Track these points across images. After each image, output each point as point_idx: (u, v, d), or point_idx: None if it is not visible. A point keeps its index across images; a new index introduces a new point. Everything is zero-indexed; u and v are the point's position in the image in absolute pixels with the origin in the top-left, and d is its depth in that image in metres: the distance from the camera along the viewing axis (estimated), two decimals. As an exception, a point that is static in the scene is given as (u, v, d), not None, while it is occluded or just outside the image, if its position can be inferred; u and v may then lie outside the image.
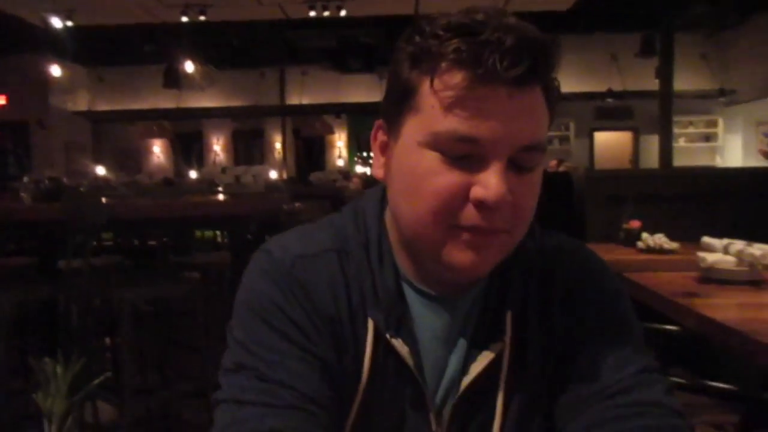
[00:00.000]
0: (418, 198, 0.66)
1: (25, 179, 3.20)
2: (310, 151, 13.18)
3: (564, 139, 12.17)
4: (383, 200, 0.78)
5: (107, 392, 2.49)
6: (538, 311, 0.75)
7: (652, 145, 10.79)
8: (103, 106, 12.74)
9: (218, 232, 5.30)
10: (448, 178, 0.64)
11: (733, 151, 11.38)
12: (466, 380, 0.72)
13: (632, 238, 2.63)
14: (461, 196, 0.65)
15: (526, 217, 0.69)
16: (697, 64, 11.09)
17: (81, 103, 12.58)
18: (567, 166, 7.91)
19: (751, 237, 1.88)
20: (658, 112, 8.04)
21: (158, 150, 13.40)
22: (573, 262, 0.78)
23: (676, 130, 9.43)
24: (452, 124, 0.63)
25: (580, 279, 0.77)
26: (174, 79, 9.67)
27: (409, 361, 0.71)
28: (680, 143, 11.08)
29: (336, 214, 0.82)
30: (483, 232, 0.65)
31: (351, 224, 0.78)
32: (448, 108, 0.63)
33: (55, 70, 10.68)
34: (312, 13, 7.89)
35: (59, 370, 0.33)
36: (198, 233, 4.97)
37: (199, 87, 9.58)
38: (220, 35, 9.38)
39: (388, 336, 0.72)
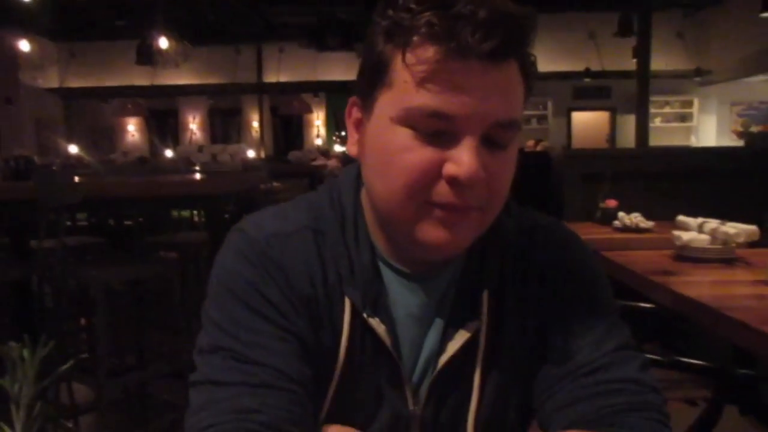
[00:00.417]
0: (391, 174, 0.65)
1: (-5, 157, 3.12)
2: (287, 130, 13.06)
3: (542, 119, 12.23)
4: (359, 178, 0.77)
5: (83, 373, 2.47)
6: (515, 289, 0.75)
7: (628, 124, 10.90)
8: (75, 83, 12.44)
9: (195, 212, 5.24)
10: (420, 155, 0.63)
11: (708, 131, 11.55)
12: (443, 358, 0.72)
13: (609, 217, 2.66)
14: (434, 173, 0.64)
15: (501, 195, 0.68)
16: (673, 43, 11.17)
17: (52, 79, 12.26)
18: (544, 146, 7.96)
19: (725, 215, 1.91)
20: (636, 92, 8.09)
21: (133, 128, 13.16)
22: (550, 240, 0.78)
23: (652, 110, 9.52)
24: (424, 99, 0.62)
25: (557, 257, 0.77)
26: (148, 56, 9.45)
27: (386, 339, 0.71)
28: (656, 123, 11.20)
29: (312, 193, 0.81)
30: (456, 209, 0.65)
31: (327, 203, 0.77)
32: (420, 83, 0.62)
33: (24, 45, 10.37)
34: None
35: (26, 354, 0.32)
36: (174, 212, 4.91)
37: (173, 63, 9.37)
38: (195, 10, 9.19)
39: (365, 315, 0.71)
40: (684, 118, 11.83)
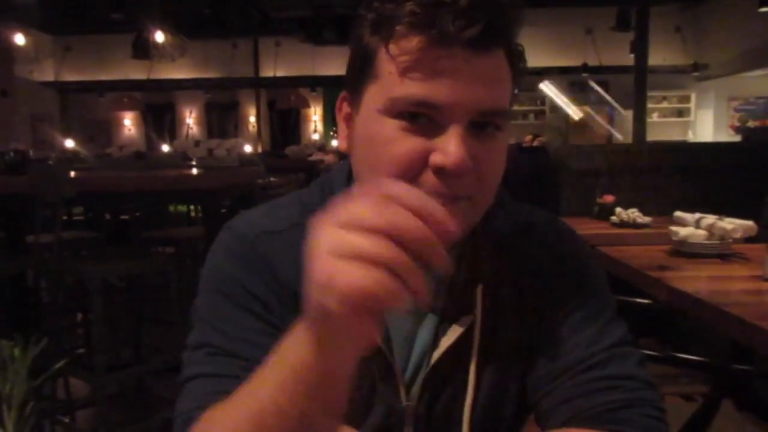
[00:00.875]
0: (378, 166, 0.65)
1: (-10, 151, 3.10)
2: (285, 125, 13.02)
3: (539, 114, 12.21)
4: (351, 173, 0.77)
5: (80, 369, 2.46)
6: (510, 284, 0.75)
7: (626, 120, 10.89)
8: (70, 77, 12.37)
9: (192, 206, 5.22)
10: (407, 145, 0.63)
11: (705, 127, 11.56)
12: (436, 354, 0.72)
13: (606, 212, 2.66)
14: (421, 163, 0.64)
15: (491, 184, 0.68)
16: (671, 38, 11.16)
17: (47, 73, 12.19)
18: (541, 141, 7.96)
19: (722, 211, 1.91)
20: (633, 87, 8.09)
21: (129, 122, 13.11)
22: (545, 235, 0.78)
23: (649, 105, 9.51)
24: (409, 88, 0.62)
25: (553, 252, 0.77)
26: (144, 49, 9.40)
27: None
28: (654, 118, 11.20)
29: (304, 189, 0.81)
30: (444, 198, 0.64)
31: (318, 199, 0.77)
32: (405, 72, 0.62)
33: (20, 39, 10.30)
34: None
35: (17, 353, 0.32)
36: (171, 207, 4.90)
37: (170, 57, 9.33)
38: (192, 4, 9.14)
39: None
40: (681, 113, 11.83)
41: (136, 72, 11.70)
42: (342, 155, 0.74)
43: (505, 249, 0.76)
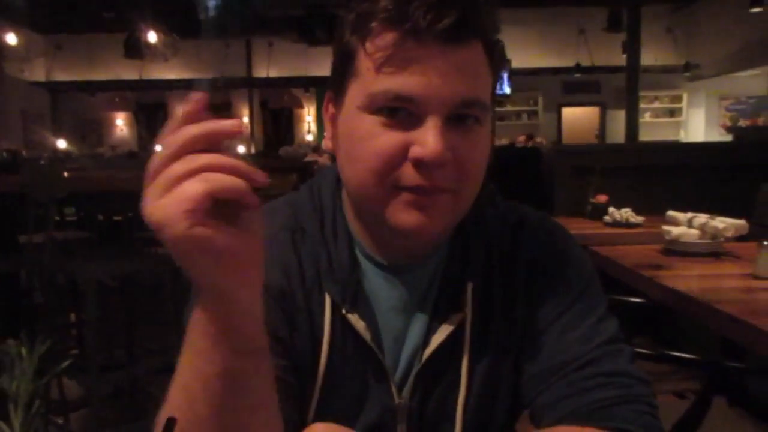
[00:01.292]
0: (359, 161, 0.66)
1: (-19, 151, 3.09)
2: (278, 125, 13.00)
3: (532, 114, 12.26)
4: (340, 175, 0.77)
5: (74, 370, 2.45)
6: (501, 282, 0.76)
7: (618, 119, 10.94)
8: (62, 76, 12.30)
9: (185, 206, 5.20)
10: (385, 139, 0.64)
11: (697, 126, 11.63)
12: (428, 351, 0.73)
13: (599, 212, 2.67)
14: (400, 156, 0.64)
15: (473, 176, 0.68)
16: (663, 38, 11.22)
17: (38, 72, 12.12)
18: (534, 142, 7.98)
19: (714, 210, 1.92)
20: (625, 87, 8.13)
21: (121, 122, 13.05)
22: (536, 233, 0.78)
23: (641, 105, 9.56)
24: (385, 83, 0.63)
25: (544, 250, 0.77)
26: (136, 49, 9.37)
27: (365, 334, 0.72)
28: (646, 118, 11.26)
29: (294, 193, 0.82)
30: (425, 191, 0.65)
31: (307, 202, 0.78)
32: (381, 68, 0.63)
33: (10, 38, 10.23)
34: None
35: (24, 352, 0.32)
36: (164, 207, 4.87)
37: (162, 57, 9.31)
38: (183, 3, 9.11)
39: (344, 310, 0.72)
40: (673, 112, 11.90)
41: (128, 72, 11.66)
42: (335, 157, 0.75)
43: (496, 247, 0.77)
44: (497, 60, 0.69)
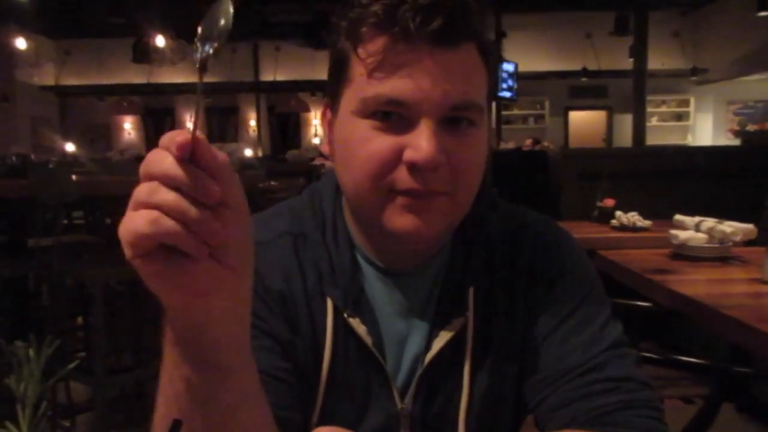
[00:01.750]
0: (354, 165, 0.67)
1: (-9, 155, 3.11)
2: (285, 129, 13.03)
3: (539, 118, 12.24)
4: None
5: (81, 372, 2.46)
6: (503, 287, 0.75)
7: (625, 124, 10.92)
8: (70, 81, 12.39)
9: (192, 210, 5.21)
10: (379, 143, 0.65)
11: (704, 130, 11.58)
12: (429, 356, 0.73)
13: (606, 216, 2.66)
14: (394, 160, 0.65)
15: (469, 179, 0.68)
16: (670, 42, 11.19)
17: (48, 77, 12.22)
18: (541, 146, 7.97)
19: (722, 214, 1.91)
20: (632, 91, 8.11)
21: (129, 126, 13.12)
22: (538, 237, 0.78)
23: (649, 109, 9.53)
24: (376, 88, 0.64)
25: (546, 254, 0.77)
26: (144, 53, 9.42)
27: (367, 339, 0.72)
28: (653, 122, 11.22)
29: (295, 198, 0.82)
30: (420, 195, 0.65)
31: (308, 207, 0.78)
32: (372, 72, 0.64)
33: (20, 43, 10.32)
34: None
35: (32, 353, 0.32)
36: (171, 211, 4.88)
37: (170, 61, 9.35)
38: (191, 7, 9.16)
39: (345, 315, 0.72)
40: (680, 117, 11.85)
41: (136, 76, 11.73)
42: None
43: (498, 251, 0.77)
44: (492, 60, 0.69)
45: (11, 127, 11.04)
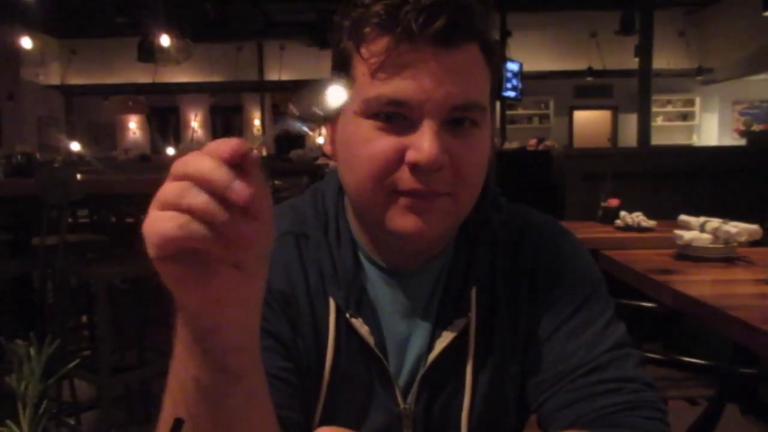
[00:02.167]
0: (357, 166, 0.67)
1: (-4, 154, 3.12)
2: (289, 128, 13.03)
3: (544, 117, 12.21)
4: None
5: (85, 371, 2.47)
6: (506, 287, 0.75)
7: (630, 123, 10.88)
8: (76, 80, 12.43)
9: (196, 209, 5.23)
10: (381, 144, 0.65)
11: (710, 130, 11.54)
12: (432, 356, 0.73)
13: (610, 216, 2.66)
14: (396, 160, 0.65)
15: (471, 180, 0.68)
16: (675, 41, 11.15)
17: (53, 76, 12.26)
18: (545, 146, 7.95)
19: (727, 214, 1.91)
20: (637, 91, 8.08)
21: (134, 125, 13.16)
22: (541, 236, 0.78)
23: (654, 109, 9.49)
24: (379, 88, 0.64)
25: (549, 254, 0.76)
26: (149, 53, 9.43)
27: (369, 339, 0.72)
28: (658, 122, 11.19)
29: (298, 197, 0.82)
30: (422, 195, 0.65)
31: (310, 207, 0.78)
32: (375, 73, 0.64)
33: (26, 42, 10.35)
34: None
35: (33, 352, 0.33)
36: (176, 210, 4.89)
37: (175, 61, 9.36)
38: (196, 7, 9.18)
39: (348, 315, 0.72)
40: (686, 116, 11.81)
41: (141, 75, 11.75)
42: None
43: (501, 251, 0.77)
44: (495, 60, 0.68)
45: (17, 126, 11.09)
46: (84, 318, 3.47)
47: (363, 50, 0.65)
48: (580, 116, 12.38)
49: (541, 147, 7.62)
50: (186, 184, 0.43)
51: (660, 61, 9.04)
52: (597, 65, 11.32)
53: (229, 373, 0.51)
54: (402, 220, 0.66)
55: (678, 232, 1.87)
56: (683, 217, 1.99)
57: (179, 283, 0.46)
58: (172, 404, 0.54)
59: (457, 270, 0.75)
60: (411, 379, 0.74)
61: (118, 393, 2.74)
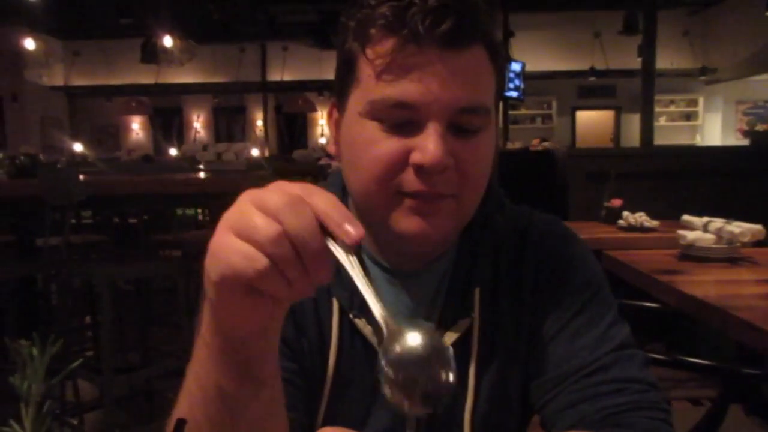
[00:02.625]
0: (361, 167, 0.66)
1: (0, 155, 3.13)
2: (292, 129, 13.05)
3: (546, 117, 12.19)
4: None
5: (88, 371, 2.48)
6: (510, 288, 0.75)
7: (633, 123, 10.86)
8: (79, 81, 12.46)
9: (200, 210, 5.24)
10: (387, 145, 0.64)
11: (713, 130, 11.51)
12: None
13: (613, 216, 2.66)
14: (401, 162, 0.64)
15: (475, 182, 0.68)
16: (679, 41, 11.13)
17: (57, 77, 12.29)
18: (544, 146, 7.94)
19: (730, 215, 1.90)
20: (640, 91, 8.06)
21: (137, 126, 13.18)
22: (544, 237, 0.78)
23: (657, 109, 9.48)
24: (385, 90, 0.63)
25: (552, 254, 0.76)
26: (152, 54, 9.45)
27: (373, 340, 0.72)
28: (661, 122, 11.16)
29: None
30: (427, 197, 0.65)
31: None
32: (380, 74, 0.63)
33: (29, 43, 10.40)
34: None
35: (36, 352, 0.33)
36: (179, 211, 4.92)
37: (178, 62, 9.38)
38: (200, 8, 9.19)
39: (351, 315, 0.72)
40: (689, 116, 11.78)
41: (144, 76, 11.78)
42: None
43: (504, 251, 0.76)
44: (501, 61, 0.68)
45: (20, 127, 11.12)
46: (87, 318, 3.47)
47: (369, 51, 0.64)
48: (583, 116, 12.36)
49: (540, 147, 7.62)
50: (279, 232, 0.42)
51: (663, 61, 9.02)
52: (600, 65, 11.30)
53: (253, 382, 0.51)
54: (406, 222, 0.66)
55: (681, 232, 1.87)
56: (686, 218, 1.99)
57: (231, 312, 0.46)
58: (188, 406, 0.54)
59: (460, 271, 0.75)
60: None
61: (121, 393, 2.75)
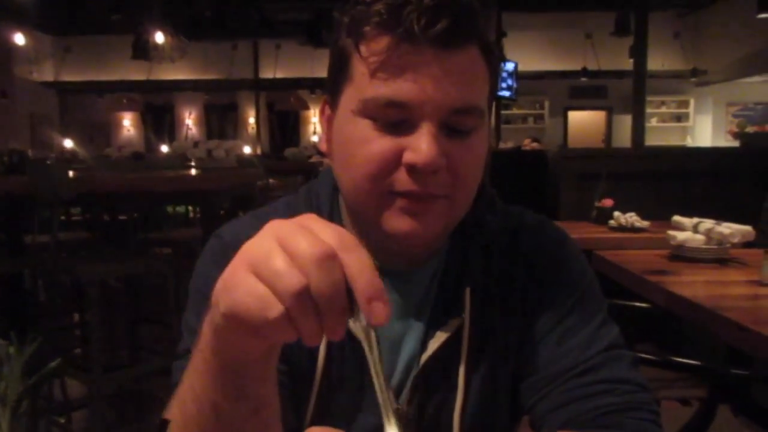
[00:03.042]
0: (353, 166, 0.66)
1: (-12, 151, 3.10)
2: (284, 126, 13.02)
3: (538, 118, 12.23)
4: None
5: (76, 369, 2.46)
6: (500, 288, 0.75)
7: (625, 124, 10.90)
8: (70, 77, 12.37)
9: (190, 207, 5.22)
10: (379, 144, 0.64)
11: (703, 132, 11.59)
12: (424, 357, 0.72)
13: (604, 216, 2.66)
14: (393, 162, 0.64)
15: (468, 183, 0.68)
16: (670, 43, 11.19)
17: (47, 73, 12.19)
18: (533, 147, 7.96)
19: (720, 216, 1.91)
20: (632, 92, 8.10)
21: (128, 123, 13.10)
22: (535, 237, 0.78)
23: (648, 110, 9.53)
24: (378, 89, 0.63)
25: (543, 255, 0.76)
26: (143, 50, 9.39)
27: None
28: (652, 123, 11.22)
29: (291, 195, 0.82)
30: (419, 197, 0.65)
31: (304, 205, 0.77)
32: (374, 73, 0.63)
33: (19, 39, 10.30)
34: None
35: (12, 351, 0.32)
36: (169, 208, 4.89)
37: (169, 58, 9.32)
38: (192, 4, 9.15)
39: None
40: (680, 118, 11.85)
41: (135, 73, 11.70)
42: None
43: (495, 251, 0.76)
44: (495, 62, 0.68)
45: (10, 124, 11.02)
46: (76, 316, 3.45)
47: (363, 49, 0.64)
48: (575, 117, 12.41)
49: (528, 147, 7.64)
50: (302, 287, 0.40)
51: (654, 63, 9.07)
52: (592, 66, 11.34)
53: (250, 402, 0.50)
54: (397, 222, 0.66)
55: (671, 232, 1.88)
56: (677, 218, 2.00)
57: (233, 342, 0.46)
58: (181, 417, 0.53)
59: (451, 270, 0.75)
60: (404, 380, 0.74)
61: (110, 391, 2.73)
